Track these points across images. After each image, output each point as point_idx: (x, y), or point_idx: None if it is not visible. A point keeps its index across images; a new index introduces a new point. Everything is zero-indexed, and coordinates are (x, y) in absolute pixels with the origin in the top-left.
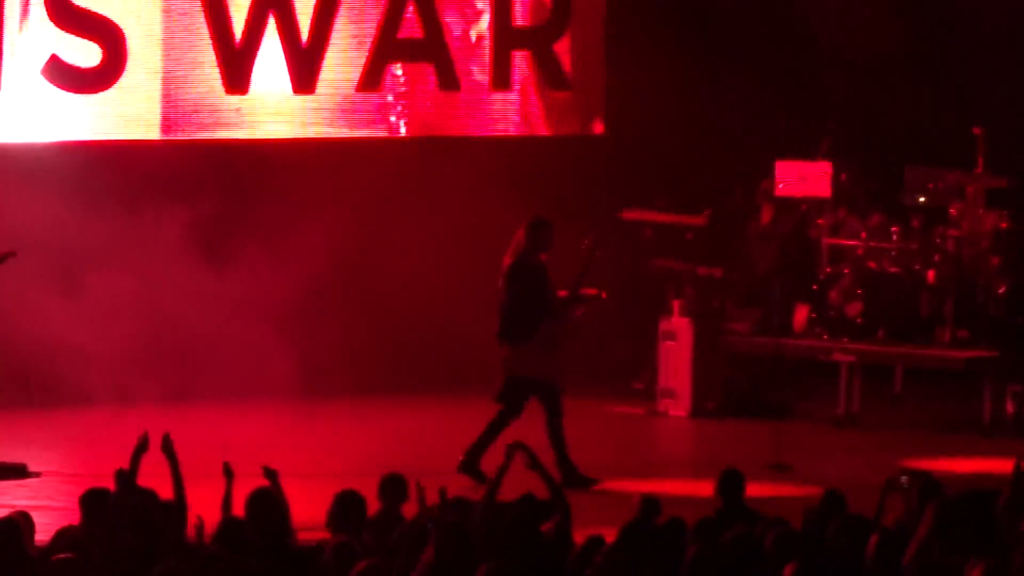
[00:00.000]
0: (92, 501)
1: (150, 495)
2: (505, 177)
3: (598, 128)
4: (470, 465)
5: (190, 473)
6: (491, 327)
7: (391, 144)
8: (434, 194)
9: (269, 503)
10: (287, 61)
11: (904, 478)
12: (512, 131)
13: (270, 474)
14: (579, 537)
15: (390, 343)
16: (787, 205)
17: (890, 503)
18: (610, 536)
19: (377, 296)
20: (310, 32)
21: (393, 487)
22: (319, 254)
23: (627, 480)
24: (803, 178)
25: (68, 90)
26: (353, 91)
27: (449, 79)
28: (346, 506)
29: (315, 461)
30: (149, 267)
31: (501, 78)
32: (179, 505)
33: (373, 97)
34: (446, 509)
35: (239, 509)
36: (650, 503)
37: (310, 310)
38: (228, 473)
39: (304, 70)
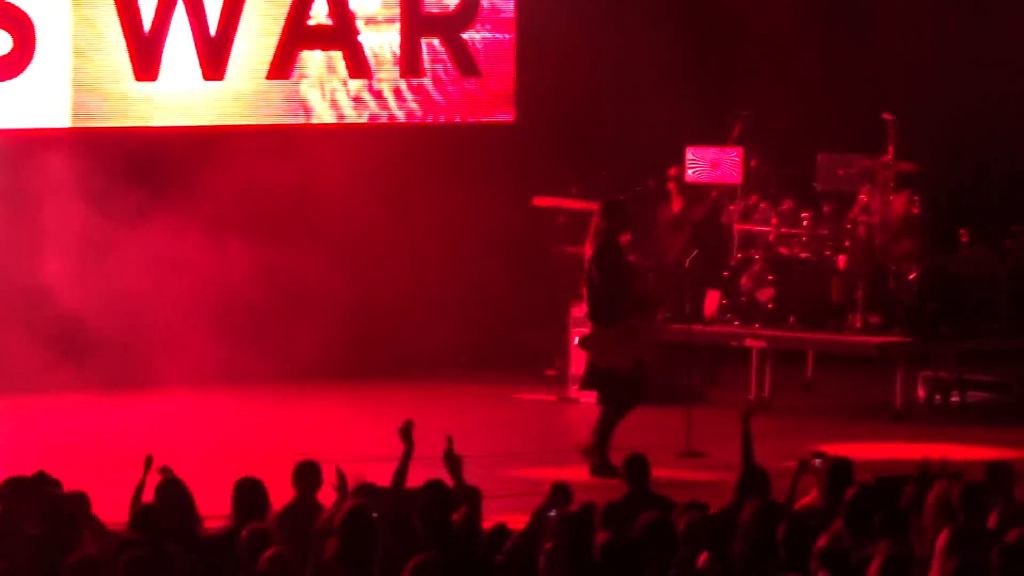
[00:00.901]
0: (8, 490)
1: (56, 484)
2: (419, 164)
3: (509, 115)
4: (600, 467)
5: (109, 461)
6: (422, 312)
7: (308, 132)
8: (350, 181)
9: (177, 492)
10: (197, 48)
11: (817, 460)
12: (426, 118)
13: (165, 471)
14: (488, 524)
15: (318, 331)
16: (698, 192)
17: (802, 485)
18: (522, 523)
19: (305, 286)
20: (220, 20)
21: (306, 474)
22: (238, 248)
23: (538, 467)
24: (714, 164)
25: None
26: (264, 78)
27: (360, 66)
28: (244, 494)
29: (234, 450)
30: (87, 255)
31: (411, 65)
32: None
33: (285, 85)
34: (354, 495)
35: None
36: (560, 489)
37: (237, 301)
38: (147, 464)
39: (213, 57)
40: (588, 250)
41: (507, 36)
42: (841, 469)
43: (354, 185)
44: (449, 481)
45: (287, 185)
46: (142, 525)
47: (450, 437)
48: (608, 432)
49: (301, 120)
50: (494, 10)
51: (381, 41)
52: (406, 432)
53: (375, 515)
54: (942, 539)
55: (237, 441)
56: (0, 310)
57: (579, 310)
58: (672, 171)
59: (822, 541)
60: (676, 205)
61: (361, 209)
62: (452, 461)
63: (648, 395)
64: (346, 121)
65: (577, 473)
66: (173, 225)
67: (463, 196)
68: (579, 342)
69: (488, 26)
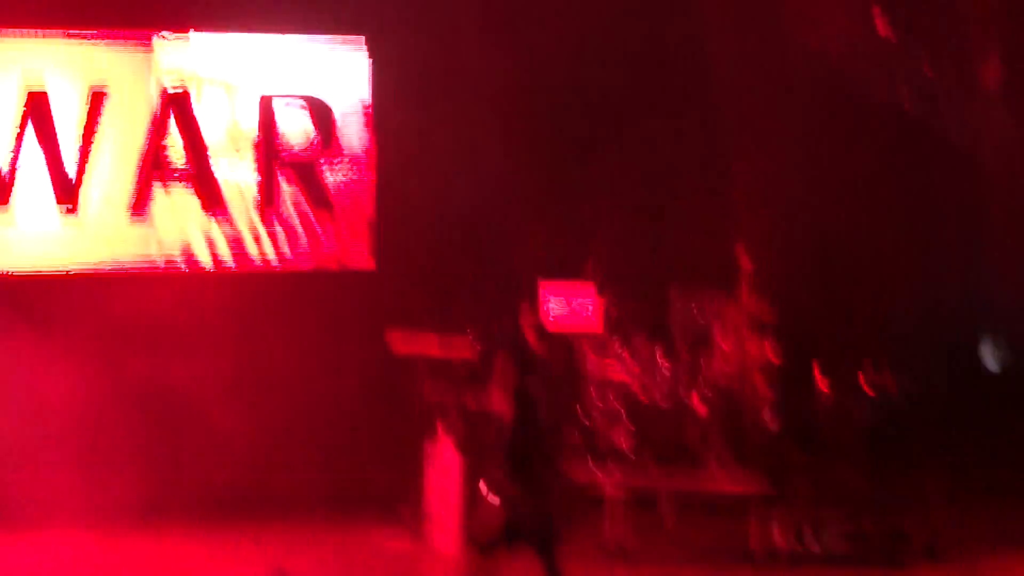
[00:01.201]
0: None
1: None
2: (274, 305)
3: (369, 263)
4: None
5: None
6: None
7: (148, 276)
8: (205, 321)
9: None
10: (52, 180)
11: None
12: (282, 260)
13: None
14: None
15: (170, 469)
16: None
17: None
18: None
19: (158, 423)
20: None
21: None
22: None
23: None
24: (571, 309)
25: None
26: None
27: (216, 202)
28: None
29: None
30: None
31: (268, 197)
32: None
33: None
34: None
35: None
36: None
37: (90, 438)
38: None
39: (67, 187)
40: (497, 397)
41: (366, 175)
42: None
43: (210, 324)
44: None
45: (142, 324)
46: None
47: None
48: None
49: (154, 258)
50: (351, 149)
51: (236, 177)
52: None
53: None
54: None
55: None
56: None
57: (434, 449)
58: (525, 315)
59: None
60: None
61: (217, 348)
62: None
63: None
64: (196, 261)
65: None
66: (27, 363)
67: (320, 336)
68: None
69: (345, 163)
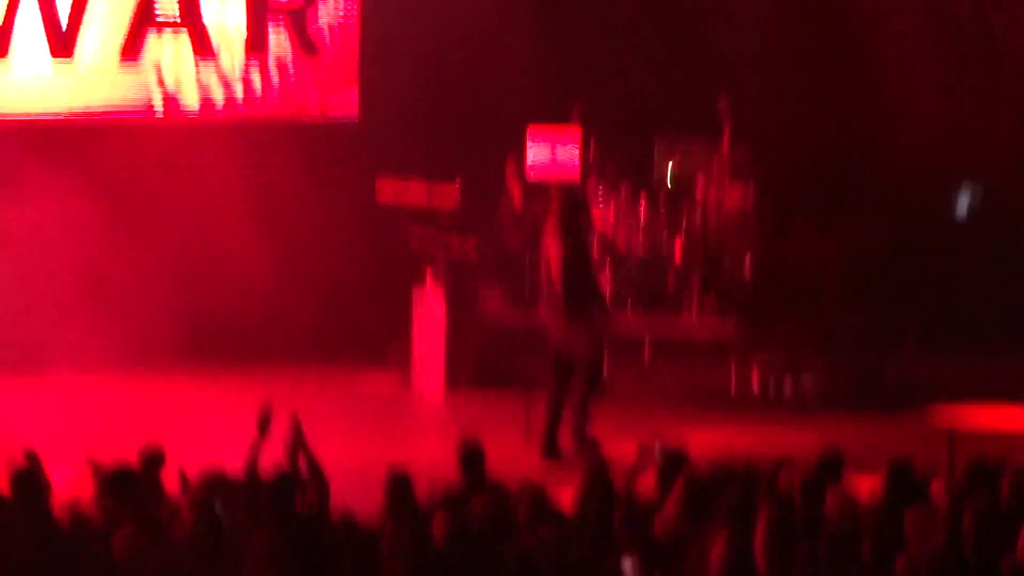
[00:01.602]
0: None
1: None
2: (264, 157)
3: (352, 108)
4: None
5: None
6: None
7: (148, 122)
8: (196, 173)
9: (33, 481)
10: (46, 31)
11: (657, 448)
12: (268, 103)
13: (31, 458)
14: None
15: (164, 317)
16: (536, 185)
17: (642, 473)
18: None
19: (150, 274)
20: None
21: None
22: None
23: (379, 456)
24: (553, 160)
25: None
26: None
27: (205, 47)
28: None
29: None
30: None
31: (256, 43)
32: None
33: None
34: (202, 488)
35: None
36: (400, 480)
37: (85, 287)
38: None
39: (60, 38)
40: (553, 243)
41: (351, 18)
42: (674, 457)
43: (201, 177)
44: (297, 467)
45: (135, 177)
46: None
47: (298, 423)
48: (582, 418)
49: (145, 102)
50: None
51: (226, 22)
52: (264, 417)
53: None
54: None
55: (87, 427)
56: None
57: (421, 293)
58: (510, 166)
59: (658, 528)
60: (516, 200)
61: (208, 200)
62: (299, 447)
63: (490, 379)
64: (186, 106)
65: (420, 458)
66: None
67: (308, 188)
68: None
69: (333, 10)
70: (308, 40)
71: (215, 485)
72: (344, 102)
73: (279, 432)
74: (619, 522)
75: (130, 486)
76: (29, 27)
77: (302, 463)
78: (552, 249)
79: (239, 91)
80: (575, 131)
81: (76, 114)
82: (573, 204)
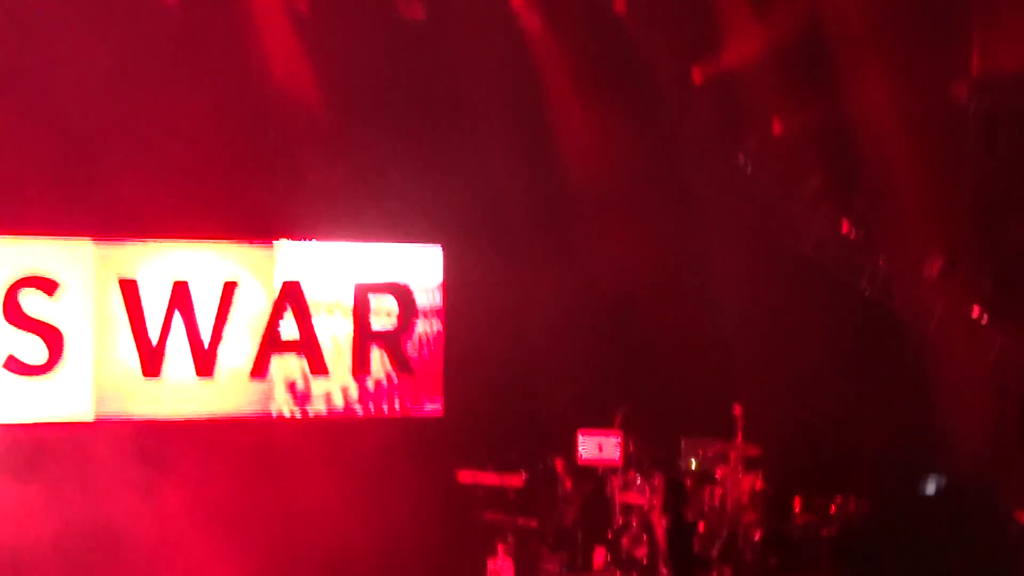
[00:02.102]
0: None
1: None
2: (362, 451)
3: (438, 410)
4: None
5: None
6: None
7: (265, 422)
8: (314, 463)
9: None
10: (192, 353)
11: None
12: (369, 413)
13: None
14: None
15: None
16: (586, 470)
17: None
18: None
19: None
20: (212, 331)
21: None
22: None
23: None
24: (600, 447)
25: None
26: (247, 378)
27: (319, 366)
28: None
29: None
30: None
31: (360, 363)
32: None
33: (259, 383)
34: None
35: None
36: None
37: None
38: None
39: (204, 360)
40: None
41: (437, 342)
42: None
43: (315, 463)
44: None
45: (252, 461)
46: None
47: None
48: None
49: (267, 411)
50: (426, 314)
51: (336, 345)
52: None
53: None
54: None
55: None
56: None
57: (494, 563)
58: (559, 462)
59: None
60: (568, 484)
61: (319, 483)
62: None
63: None
64: (300, 413)
65: None
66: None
67: (398, 473)
68: None
69: (422, 338)
70: (403, 359)
71: None
72: (431, 404)
73: None
74: None
75: None
76: (178, 352)
77: None
78: (659, 529)
79: (344, 398)
80: (616, 436)
81: (212, 418)
82: (674, 489)
